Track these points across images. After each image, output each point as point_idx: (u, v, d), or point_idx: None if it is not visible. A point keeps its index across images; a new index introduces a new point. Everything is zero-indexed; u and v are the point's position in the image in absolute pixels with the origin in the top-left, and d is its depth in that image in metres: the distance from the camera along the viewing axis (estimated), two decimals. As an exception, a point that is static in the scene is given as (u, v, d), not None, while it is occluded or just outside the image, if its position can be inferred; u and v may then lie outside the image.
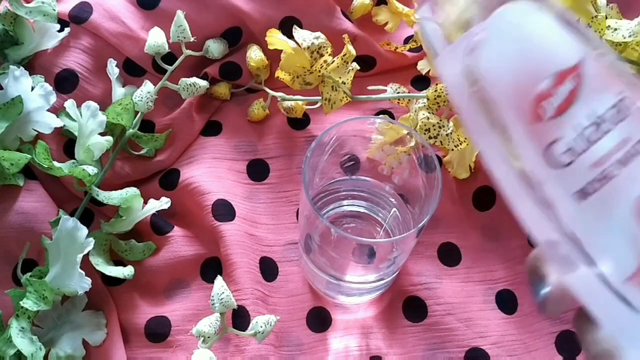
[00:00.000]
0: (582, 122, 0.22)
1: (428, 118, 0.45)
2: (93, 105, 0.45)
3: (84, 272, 0.40)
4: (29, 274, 0.41)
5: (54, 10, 0.47)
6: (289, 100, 0.48)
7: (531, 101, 0.22)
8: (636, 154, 0.22)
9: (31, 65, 0.48)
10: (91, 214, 0.47)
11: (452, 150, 0.44)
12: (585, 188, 0.22)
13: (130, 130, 0.47)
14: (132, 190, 0.45)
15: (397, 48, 0.51)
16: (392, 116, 0.50)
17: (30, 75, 0.44)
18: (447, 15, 0.23)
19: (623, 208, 0.21)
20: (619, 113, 0.22)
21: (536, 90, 0.22)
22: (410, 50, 0.51)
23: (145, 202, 0.45)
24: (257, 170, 0.48)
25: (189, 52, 0.48)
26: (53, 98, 0.44)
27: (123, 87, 0.49)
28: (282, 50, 0.43)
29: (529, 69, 0.22)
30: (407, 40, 0.53)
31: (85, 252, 0.40)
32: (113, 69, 0.47)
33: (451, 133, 0.44)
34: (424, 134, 0.43)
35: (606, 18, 0.42)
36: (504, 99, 0.22)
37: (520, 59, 0.22)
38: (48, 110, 0.44)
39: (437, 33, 0.23)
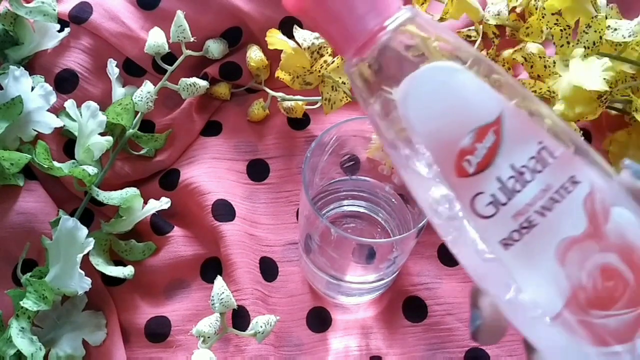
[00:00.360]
0: (503, 175, 0.23)
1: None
2: (93, 105, 0.45)
3: (84, 272, 0.40)
4: (29, 274, 0.41)
5: (54, 10, 0.47)
6: (289, 100, 0.48)
7: (455, 157, 0.23)
8: (556, 202, 0.23)
9: (31, 65, 0.47)
10: (91, 214, 0.47)
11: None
12: (510, 236, 0.23)
13: (130, 131, 0.47)
14: (132, 191, 0.45)
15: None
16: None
17: (30, 76, 0.44)
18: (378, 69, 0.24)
19: (547, 253, 0.23)
20: (538, 163, 0.23)
21: (459, 146, 0.23)
22: (410, 50, 0.51)
23: (145, 202, 0.45)
24: (257, 171, 0.48)
25: (189, 52, 0.48)
26: (53, 98, 0.44)
27: (123, 87, 0.49)
28: (282, 50, 0.43)
29: (451, 126, 0.23)
30: (407, 41, 0.52)
31: (85, 252, 0.40)
32: (113, 69, 0.47)
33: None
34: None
35: (606, 18, 0.42)
36: (433, 153, 0.23)
37: (442, 116, 0.23)
38: (48, 110, 0.44)
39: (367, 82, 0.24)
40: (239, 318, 0.42)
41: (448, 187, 0.23)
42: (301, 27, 0.47)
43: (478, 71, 0.23)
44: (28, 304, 0.38)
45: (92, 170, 0.43)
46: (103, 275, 0.43)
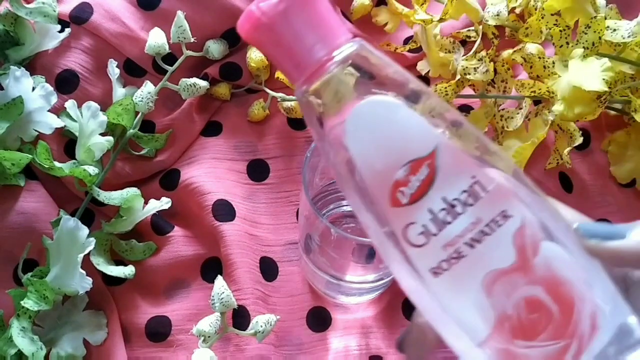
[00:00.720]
0: (435, 207, 0.24)
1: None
2: (94, 105, 0.45)
3: (84, 272, 0.40)
4: (29, 273, 0.41)
5: (55, 11, 0.47)
6: (289, 100, 0.48)
7: (390, 187, 0.24)
8: (486, 235, 0.24)
9: (32, 65, 0.48)
10: (92, 214, 0.47)
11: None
12: (439, 265, 0.24)
13: (131, 131, 0.47)
14: (133, 191, 0.45)
15: (396, 49, 0.51)
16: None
17: (31, 76, 0.44)
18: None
19: (474, 283, 0.24)
20: (470, 197, 0.24)
21: (394, 178, 0.24)
22: (409, 51, 0.51)
23: (146, 202, 0.45)
24: (257, 171, 0.48)
25: (189, 52, 0.48)
26: (54, 98, 0.44)
27: (123, 87, 0.49)
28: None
29: (387, 157, 0.24)
30: (406, 41, 0.53)
31: (86, 252, 0.40)
32: (114, 69, 0.47)
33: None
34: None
35: (605, 18, 0.42)
36: (369, 182, 0.24)
37: (380, 148, 0.24)
38: (49, 110, 0.44)
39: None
40: (239, 318, 0.42)
41: (383, 215, 0.24)
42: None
43: (421, 105, 0.24)
44: (29, 303, 0.38)
45: (92, 170, 0.43)
46: (104, 275, 0.43)
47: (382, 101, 0.24)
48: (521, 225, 0.24)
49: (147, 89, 0.47)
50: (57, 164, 0.43)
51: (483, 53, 0.45)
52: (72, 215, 0.44)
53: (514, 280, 0.24)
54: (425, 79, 0.52)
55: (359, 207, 0.25)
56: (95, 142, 0.44)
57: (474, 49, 0.46)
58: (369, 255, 0.39)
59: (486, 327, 0.24)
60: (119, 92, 0.48)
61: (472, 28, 0.50)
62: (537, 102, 0.47)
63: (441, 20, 0.46)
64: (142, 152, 0.48)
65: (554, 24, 0.43)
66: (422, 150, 0.24)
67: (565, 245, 0.24)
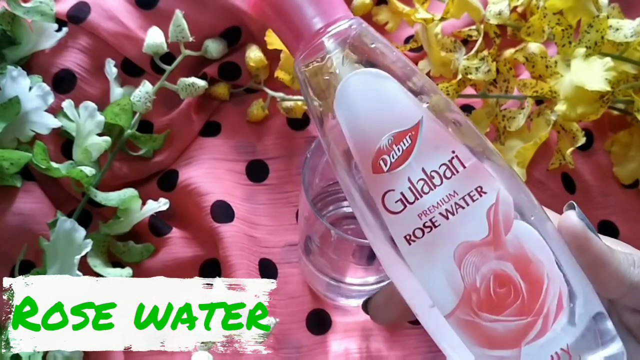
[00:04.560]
0: (414, 176, 0.25)
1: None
2: (91, 105, 0.44)
3: (81, 274, 0.40)
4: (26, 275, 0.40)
5: (52, 10, 0.47)
6: (288, 100, 0.48)
7: (373, 155, 0.25)
8: (461, 208, 0.25)
9: (29, 65, 0.47)
10: (89, 215, 0.46)
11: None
12: (414, 233, 0.25)
13: (129, 131, 0.46)
14: (130, 191, 0.45)
15: (397, 48, 0.51)
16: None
17: (28, 76, 0.44)
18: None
19: (446, 253, 0.25)
20: (448, 170, 0.25)
21: (378, 145, 0.25)
22: (410, 50, 0.51)
23: (144, 203, 0.45)
24: (257, 171, 0.48)
25: (188, 52, 0.48)
26: (51, 98, 0.44)
27: (121, 87, 0.48)
28: (281, 50, 0.43)
29: (373, 127, 0.25)
30: (407, 40, 0.52)
31: (83, 253, 0.40)
32: (111, 69, 0.47)
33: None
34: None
35: (608, 18, 0.42)
36: (355, 149, 0.25)
37: (367, 117, 0.25)
38: (46, 110, 0.43)
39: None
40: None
41: (363, 182, 0.26)
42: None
43: (412, 83, 0.26)
44: (25, 306, 0.38)
45: (90, 171, 0.43)
46: (101, 277, 0.43)
47: (371, 73, 0.26)
48: (496, 201, 0.25)
49: (145, 88, 0.46)
50: (54, 164, 0.43)
51: (485, 52, 0.45)
52: (69, 216, 0.44)
53: (485, 253, 0.25)
54: (426, 79, 0.51)
55: (344, 175, 0.26)
56: (93, 143, 0.44)
57: (475, 48, 0.45)
58: (370, 257, 0.39)
59: (455, 297, 0.25)
60: (116, 92, 0.47)
61: (474, 27, 0.49)
62: (539, 102, 0.47)
63: (442, 19, 0.45)
64: (140, 152, 0.48)
65: (556, 23, 0.42)
66: (407, 122, 0.25)
67: (538, 227, 0.25)
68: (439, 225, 0.25)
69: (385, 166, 0.25)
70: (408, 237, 0.25)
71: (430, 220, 0.25)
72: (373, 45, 0.27)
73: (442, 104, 0.27)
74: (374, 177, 0.25)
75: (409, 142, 0.25)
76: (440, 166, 0.25)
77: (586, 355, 0.25)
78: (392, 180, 0.25)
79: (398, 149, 0.25)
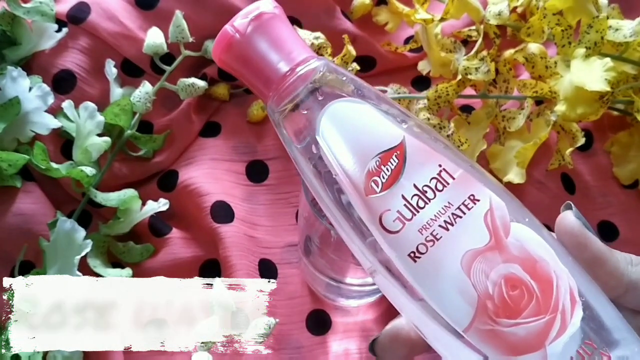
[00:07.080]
0: (407, 193, 0.25)
1: (428, 119, 0.44)
2: (91, 106, 0.44)
3: (81, 274, 0.40)
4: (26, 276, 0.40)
5: (52, 10, 0.47)
6: (288, 101, 0.48)
7: (364, 178, 0.26)
8: (458, 217, 0.25)
9: (29, 65, 0.47)
10: (89, 215, 0.46)
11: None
12: (417, 249, 0.25)
13: (129, 131, 0.46)
14: (130, 192, 0.45)
15: (397, 48, 0.51)
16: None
17: (27, 76, 0.44)
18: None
19: (453, 265, 0.25)
20: (439, 183, 0.25)
21: (366, 169, 0.26)
22: (410, 50, 0.51)
23: (144, 204, 0.45)
24: (256, 172, 0.48)
25: (188, 52, 0.48)
26: (51, 99, 0.44)
27: (121, 87, 0.48)
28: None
29: (359, 152, 0.26)
30: (407, 41, 0.52)
31: (83, 254, 0.40)
32: (111, 69, 0.47)
33: (452, 134, 0.44)
34: (424, 135, 0.43)
35: (607, 18, 0.42)
36: (345, 178, 0.26)
37: (351, 145, 0.26)
38: (46, 111, 0.43)
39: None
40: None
41: (359, 208, 0.26)
42: (300, 27, 0.47)
43: (385, 106, 0.27)
44: (25, 306, 0.38)
45: (90, 171, 0.43)
46: (101, 277, 0.43)
47: (348, 100, 0.27)
48: (490, 207, 0.25)
49: (145, 89, 0.46)
50: (53, 164, 0.43)
51: (484, 53, 0.45)
52: (69, 216, 0.44)
53: (491, 259, 0.25)
54: (426, 79, 0.51)
55: (330, 206, 0.27)
56: (93, 143, 0.44)
57: (475, 48, 0.45)
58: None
59: (470, 309, 0.24)
60: (116, 92, 0.47)
61: (474, 27, 0.49)
62: (539, 102, 0.47)
63: (442, 19, 0.45)
64: (140, 153, 0.48)
65: (556, 24, 0.42)
66: (391, 142, 0.26)
67: (532, 227, 0.25)
68: (441, 237, 0.25)
69: (377, 187, 0.25)
70: (412, 255, 0.25)
71: (432, 233, 0.25)
72: (344, 78, 0.28)
73: (416, 122, 0.27)
74: (368, 200, 0.26)
75: (397, 160, 0.26)
76: (431, 180, 0.25)
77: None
78: (387, 200, 0.25)
79: (387, 169, 0.25)
